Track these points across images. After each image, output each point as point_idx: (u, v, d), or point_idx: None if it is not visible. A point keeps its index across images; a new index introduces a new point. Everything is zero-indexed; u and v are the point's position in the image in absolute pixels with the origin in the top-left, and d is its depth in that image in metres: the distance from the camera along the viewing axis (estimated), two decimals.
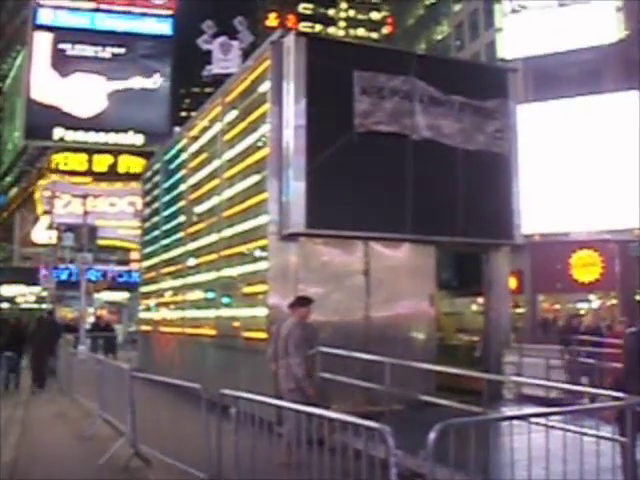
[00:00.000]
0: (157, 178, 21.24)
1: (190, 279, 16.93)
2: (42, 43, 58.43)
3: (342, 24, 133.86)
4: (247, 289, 13.29)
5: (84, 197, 38.89)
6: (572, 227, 43.07)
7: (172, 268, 18.69)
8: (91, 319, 39.18)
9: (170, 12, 62.31)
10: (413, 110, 12.55)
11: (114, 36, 59.48)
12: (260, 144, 12.92)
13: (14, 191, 70.09)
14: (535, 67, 43.35)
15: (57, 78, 58.65)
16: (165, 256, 19.51)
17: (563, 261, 44.10)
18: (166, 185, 19.85)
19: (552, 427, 5.74)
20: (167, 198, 19.62)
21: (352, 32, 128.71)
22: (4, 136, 75.54)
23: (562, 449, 5.44)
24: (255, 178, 13.03)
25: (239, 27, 29.40)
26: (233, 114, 14.41)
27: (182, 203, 17.98)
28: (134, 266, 48.58)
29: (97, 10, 60.36)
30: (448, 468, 4.62)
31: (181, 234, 17.88)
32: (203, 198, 16.12)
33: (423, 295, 12.84)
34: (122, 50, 59.77)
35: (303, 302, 9.49)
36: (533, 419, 5.40)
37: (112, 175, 57.69)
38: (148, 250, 22.04)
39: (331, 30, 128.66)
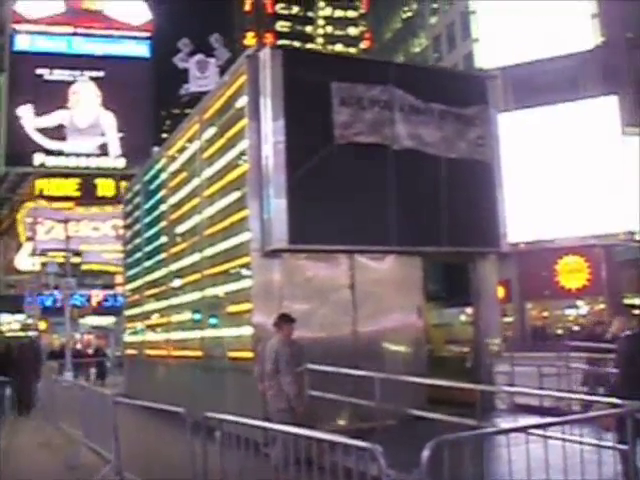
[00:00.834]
0: (138, 199, 21.00)
1: (174, 300, 16.67)
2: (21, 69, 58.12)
3: (320, 40, 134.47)
4: (231, 308, 13.06)
5: (66, 222, 38.53)
6: (557, 234, 43.09)
7: (156, 290, 18.42)
8: (78, 345, 38.83)
9: (148, 34, 62.16)
10: (393, 119, 12.41)
11: (93, 60, 59.21)
12: (239, 161, 12.73)
13: None
14: (513, 76, 43.50)
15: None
16: (148, 278, 19.24)
17: (550, 268, 44.12)
18: (147, 206, 19.61)
19: (550, 437, 5.54)
20: (148, 219, 19.38)
21: (330, 48, 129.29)
22: None
23: (562, 459, 5.24)
24: (235, 195, 12.83)
25: (215, 44, 29.25)
26: (211, 131, 14.23)
27: (163, 223, 17.74)
28: (119, 290, 48.21)
29: (74, 34, 60.10)
30: None
31: (163, 255, 17.64)
32: (184, 217, 15.90)
33: (411, 307, 12.66)
34: (101, 74, 59.50)
35: (287, 319, 9.28)
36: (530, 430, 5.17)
37: (94, 199, 57.26)
38: (131, 273, 21.75)
39: (309, 47, 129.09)
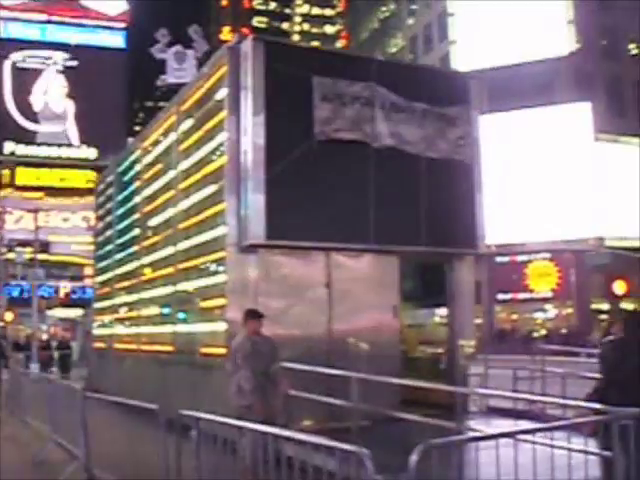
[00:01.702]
0: (111, 191, 20.68)
1: (145, 293, 16.41)
2: None
3: (296, 37, 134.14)
4: (205, 303, 12.86)
5: (36, 212, 37.98)
6: (528, 238, 43.38)
7: (127, 283, 18.14)
8: (44, 336, 38.27)
9: (124, 24, 61.51)
10: (374, 117, 12.27)
11: (66, 48, 58.51)
12: (217, 153, 12.53)
13: None
14: (488, 79, 43.63)
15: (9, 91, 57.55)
16: (119, 270, 18.94)
17: (520, 271, 44.40)
18: (120, 198, 19.31)
19: (527, 441, 5.45)
20: (121, 211, 19.08)
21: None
22: None
23: (548, 464, 5.15)
24: (212, 188, 12.63)
25: (194, 36, 28.95)
26: (189, 123, 14.00)
27: (136, 216, 17.47)
28: (88, 282, 47.67)
29: (48, 22, 59.33)
30: None
31: (136, 248, 17.36)
32: (158, 210, 15.65)
33: (387, 307, 12.54)
34: (74, 63, 58.77)
35: (253, 315, 9.17)
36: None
37: (65, 190, 56.55)
38: (102, 265, 21.43)
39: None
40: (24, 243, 44.40)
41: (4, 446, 12.56)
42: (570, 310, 45.19)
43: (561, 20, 46.22)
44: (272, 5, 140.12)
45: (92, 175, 50.19)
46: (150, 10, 79.36)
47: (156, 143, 16.22)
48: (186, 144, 13.95)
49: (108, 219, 20.80)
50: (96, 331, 22.28)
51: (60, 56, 58.57)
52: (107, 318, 20.59)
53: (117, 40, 61.14)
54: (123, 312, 18.74)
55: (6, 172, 56.63)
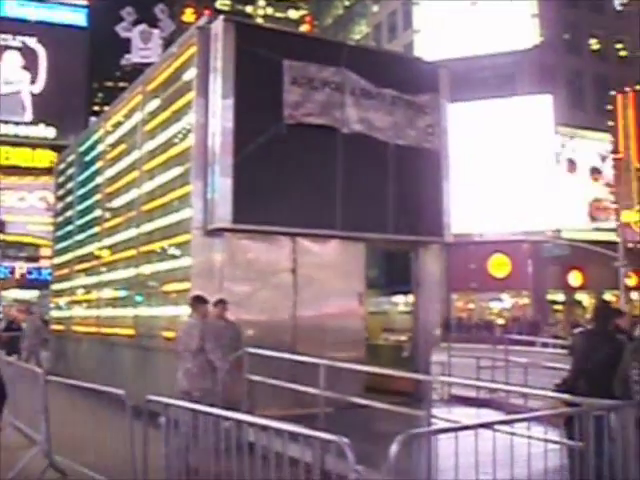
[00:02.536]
0: (71, 170, 20.30)
1: (107, 276, 16.16)
2: None
3: (260, 21, 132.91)
4: (168, 287, 12.69)
5: None
6: (487, 228, 43.71)
7: (87, 264, 17.83)
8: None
9: (86, 2, 60.37)
10: (344, 102, 12.17)
11: (25, 25, 57.24)
12: (184, 135, 12.33)
13: None
14: (451, 70, 43.74)
15: None
16: (79, 252, 18.61)
17: (477, 261, 44.70)
18: (81, 178, 18.96)
19: (498, 431, 5.44)
20: (82, 191, 18.73)
21: None
22: None
23: (503, 453, 5.13)
24: (178, 170, 12.43)
25: (160, 15, 28.53)
26: (155, 103, 13.76)
27: (98, 196, 17.15)
28: (44, 263, 46.89)
29: None
30: None
31: (97, 229, 17.07)
32: (121, 191, 15.40)
33: (352, 293, 12.49)
34: (33, 40, 57.55)
35: (201, 301, 9.38)
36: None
37: (21, 169, 55.47)
38: (61, 246, 21.04)
39: None
40: None
41: None
42: (527, 300, 45.72)
43: (525, 13, 46.48)
44: None
45: (51, 155, 49.37)
46: None
47: (120, 123, 15.93)
48: (152, 125, 13.72)
49: (68, 199, 20.42)
50: (54, 313, 21.92)
51: (19, 32, 57.27)
52: (66, 300, 20.25)
53: (79, 18, 59.98)
54: (83, 294, 18.43)
55: None
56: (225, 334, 9.96)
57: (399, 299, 15.23)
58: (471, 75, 43.62)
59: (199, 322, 9.17)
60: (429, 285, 13.53)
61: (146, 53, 26.73)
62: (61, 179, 21.89)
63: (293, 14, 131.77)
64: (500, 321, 44.58)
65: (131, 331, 14.23)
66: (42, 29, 57.25)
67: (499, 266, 45.12)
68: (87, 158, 18.56)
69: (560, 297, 46.76)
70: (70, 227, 19.74)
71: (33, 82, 57.13)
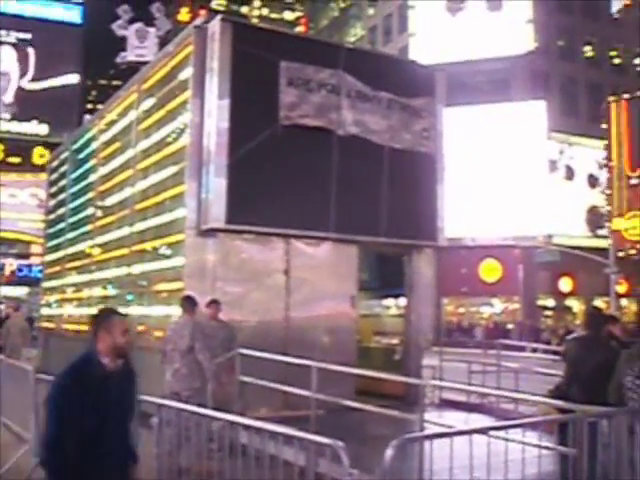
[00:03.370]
0: (64, 168, 20.23)
1: (97, 274, 16.09)
2: None
3: (255, 22, 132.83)
4: (161, 286, 12.65)
5: None
6: (479, 232, 43.73)
7: (78, 262, 17.76)
8: None
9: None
10: (340, 105, 12.18)
11: (21, 21, 56.98)
12: (179, 134, 12.30)
13: None
14: (446, 74, 43.79)
15: None
16: (71, 250, 18.53)
17: (469, 265, 44.72)
18: (74, 175, 18.89)
19: (492, 437, 5.43)
20: (75, 189, 18.66)
21: None
22: None
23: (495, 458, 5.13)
24: (172, 169, 12.41)
25: (156, 14, 28.43)
26: (150, 102, 13.72)
27: (91, 194, 17.09)
28: (35, 260, 46.70)
29: None
30: None
31: (89, 227, 17.00)
32: (114, 189, 15.34)
33: (344, 296, 12.49)
34: (28, 36, 57.31)
35: (191, 302, 9.40)
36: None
37: (13, 166, 55.21)
38: (52, 243, 20.96)
39: None
40: None
41: None
42: (517, 305, 45.77)
43: (520, 19, 46.57)
44: None
45: (42, 151, 49.18)
46: None
47: (115, 121, 15.88)
48: (147, 123, 13.69)
49: (61, 197, 20.35)
50: (44, 311, 21.82)
51: (15, 28, 57.04)
52: (56, 298, 20.16)
53: (73, 15, 59.78)
54: (74, 292, 18.35)
55: None
56: (218, 335, 9.94)
57: (391, 302, 15.22)
58: (465, 80, 43.66)
59: (189, 322, 9.14)
60: (422, 289, 13.53)
61: (142, 52, 26.62)
62: (54, 176, 21.81)
63: (288, 15, 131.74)
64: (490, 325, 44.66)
65: None
66: (36, 25, 57.02)
67: (490, 271, 45.14)
68: (80, 156, 18.50)
69: (550, 303, 46.85)
70: (62, 225, 19.67)
71: (24, 77, 56.88)
